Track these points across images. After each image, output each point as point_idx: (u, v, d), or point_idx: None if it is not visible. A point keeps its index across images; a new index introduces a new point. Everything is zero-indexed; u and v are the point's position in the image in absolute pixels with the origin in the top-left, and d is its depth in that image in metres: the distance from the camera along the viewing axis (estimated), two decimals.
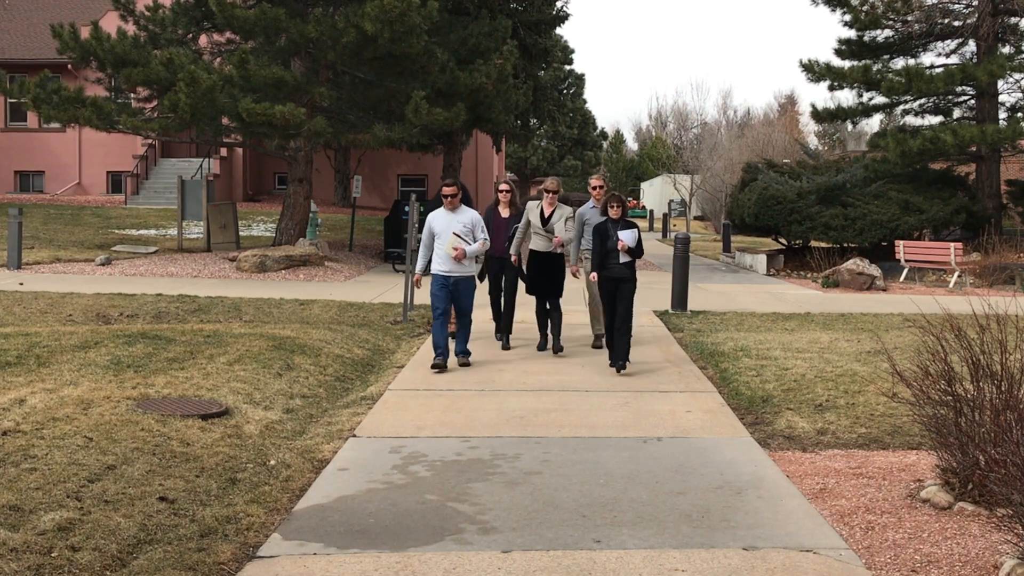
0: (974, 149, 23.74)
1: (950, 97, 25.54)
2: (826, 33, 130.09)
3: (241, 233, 23.26)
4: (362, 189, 29.92)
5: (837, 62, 25.28)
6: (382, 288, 17.22)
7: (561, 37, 44.37)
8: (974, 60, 24.12)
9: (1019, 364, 5.48)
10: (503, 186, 11.01)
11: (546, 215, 10.48)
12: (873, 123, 57.24)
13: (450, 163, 30.61)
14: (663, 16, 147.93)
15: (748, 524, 5.39)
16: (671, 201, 56.12)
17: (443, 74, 19.93)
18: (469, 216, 9.80)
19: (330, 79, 22.67)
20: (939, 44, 25.24)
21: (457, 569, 4.72)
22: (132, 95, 23.02)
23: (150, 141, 32.38)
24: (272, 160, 35.17)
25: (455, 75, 20.01)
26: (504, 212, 10.87)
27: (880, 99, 25.13)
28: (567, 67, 56.69)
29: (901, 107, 26.39)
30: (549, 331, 10.66)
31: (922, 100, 25.64)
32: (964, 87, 24.14)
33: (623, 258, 9.56)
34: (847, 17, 24.64)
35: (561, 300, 10.66)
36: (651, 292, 16.44)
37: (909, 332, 11.31)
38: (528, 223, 10.52)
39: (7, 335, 10.26)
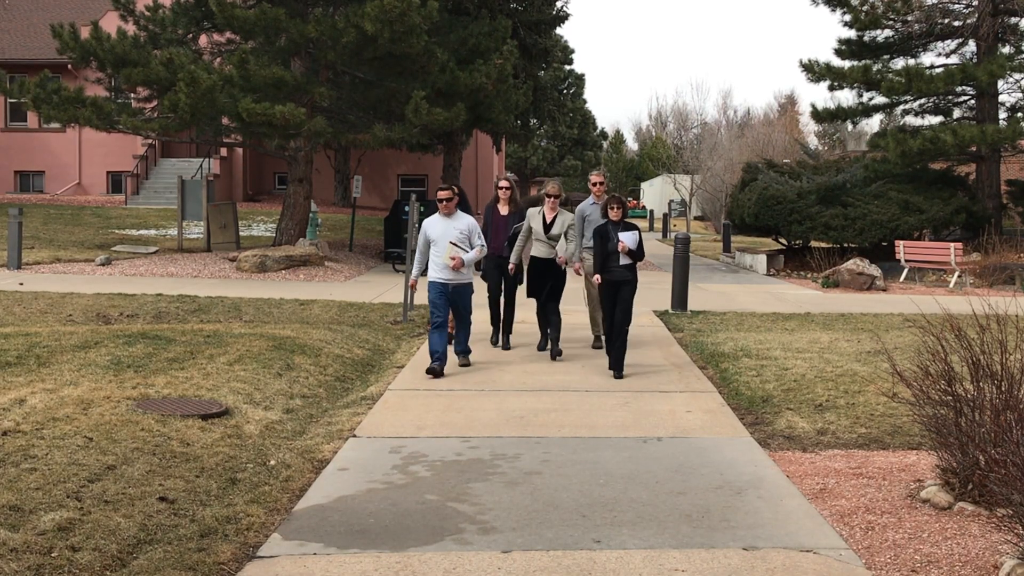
0: (974, 149, 23.74)
1: (950, 97, 25.55)
2: (826, 33, 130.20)
3: (241, 233, 23.26)
4: (362, 189, 29.93)
5: (837, 62, 25.30)
6: (382, 288, 17.22)
7: (561, 37, 44.36)
8: (974, 60, 24.12)
9: (1019, 364, 5.48)
10: (503, 183, 10.87)
11: (548, 221, 10.37)
12: (873, 123, 57.25)
13: (450, 163, 30.61)
14: (663, 16, 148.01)
15: (748, 524, 5.39)
16: (671, 201, 56.12)
17: (443, 74, 19.93)
18: (466, 222, 9.62)
19: (330, 79, 22.67)
20: (939, 44, 25.25)
21: (457, 569, 4.72)
22: (132, 95, 23.03)
23: (150, 141, 32.39)
24: (272, 160, 35.18)
25: (455, 75, 20.01)
26: (503, 210, 10.76)
27: (880, 99, 25.13)
28: (567, 67, 56.68)
29: (901, 107, 26.39)
30: (548, 333, 10.57)
31: (922, 100, 25.64)
32: (964, 87, 24.14)
33: (624, 260, 9.45)
34: (847, 17, 24.65)
35: (560, 302, 10.57)
36: (651, 292, 16.44)
37: (909, 332, 11.31)
38: (530, 229, 10.40)
39: (7, 335, 10.26)
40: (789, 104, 72.50)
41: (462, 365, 9.75)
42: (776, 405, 8.27)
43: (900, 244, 21.26)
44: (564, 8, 31.51)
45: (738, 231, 28.16)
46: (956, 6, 24.23)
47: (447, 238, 9.45)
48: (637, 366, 9.87)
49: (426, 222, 9.69)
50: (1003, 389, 5.36)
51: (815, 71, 24.56)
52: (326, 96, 20.19)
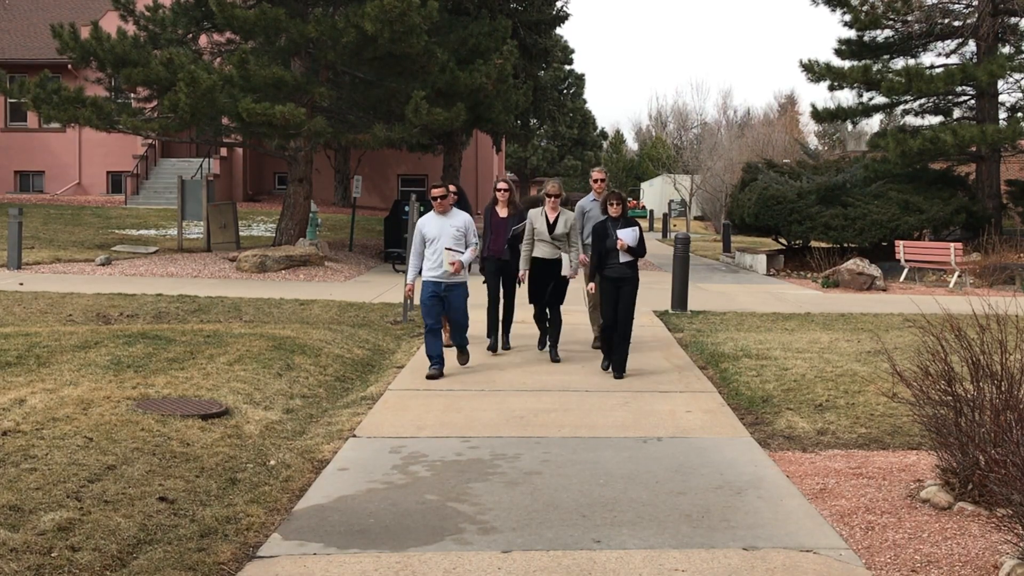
0: (974, 149, 23.74)
1: (950, 97, 25.55)
2: (826, 33, 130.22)
3: (241, 233, 23.26)
4: (362, 189, 29.93)
5: (837, 62, 25.30)
6: (382, 288, 17.22)
7: (561, 37, 44.37)
8: (974, 60, 24.12)
9: (1019, 364, 5.48)
10: (501, 185, 10.67)
11: (551, 221, 10.16)
12: (873, 123, 57.26)
13: (450, 163, 30.61)
14: (663, 16, 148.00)
15: (748, 524, 5.39)
16: (671, 201, 56.11)
17: (443, 74, 19.93)
18: (462, 219, 9.46)
19: (330, 79, 22.68)
20: (939, 44, 25.25)
21: (457, 569, 4.72)
22: (132, 95, 23.03)
23: (150, 141, 32.40)
24: (272, 160, 35.18)
25: (455, 75, 20.01)
26: (502, 212, 10.57)
27: (880, 99, 25.13)
28: (567, 67, 56.68)
29: (901, 107, 26.39)
30: (548, 335, 10.45)
31: (922, 100, 25.64)
32: (964, 87, 24.14)
33: (624, 258, 9.31)
34: (847, 17, 24.65)
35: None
36: (651, 292, 16.44)
37: (909, 332, 11.31)
38: (533, 231, 10.18)
39: (7, 335, 10.26)
40: (789, 104, 72.53)
41: (462, 363, 9.66)
42: (776, 405, 8.27)
43: (900, 244, 21.26)
44: (564, 8, 31.52)
45: (738, 231, 28.16)
46: (956, 6, 24.24)
47: (443, 236, 9.31)
48: (637, 366, 9.86)
49: (421, 220, 9.56)
50: (1003, 389, 5.36)
51: (815, 71, 24.56)
52: (326, 96, 20.19)
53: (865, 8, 23.94)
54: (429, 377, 9.20)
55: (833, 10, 25.02)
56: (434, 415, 7.88)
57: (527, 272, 10.24)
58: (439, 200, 9.36)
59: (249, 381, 8.56)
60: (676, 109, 72.75)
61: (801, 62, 25.20)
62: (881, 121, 42.36)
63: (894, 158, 22.78)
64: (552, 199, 10.19)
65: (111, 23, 22.67)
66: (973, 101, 25.00)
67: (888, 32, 25.21)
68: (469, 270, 9.83)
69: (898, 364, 6.33)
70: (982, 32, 23.47)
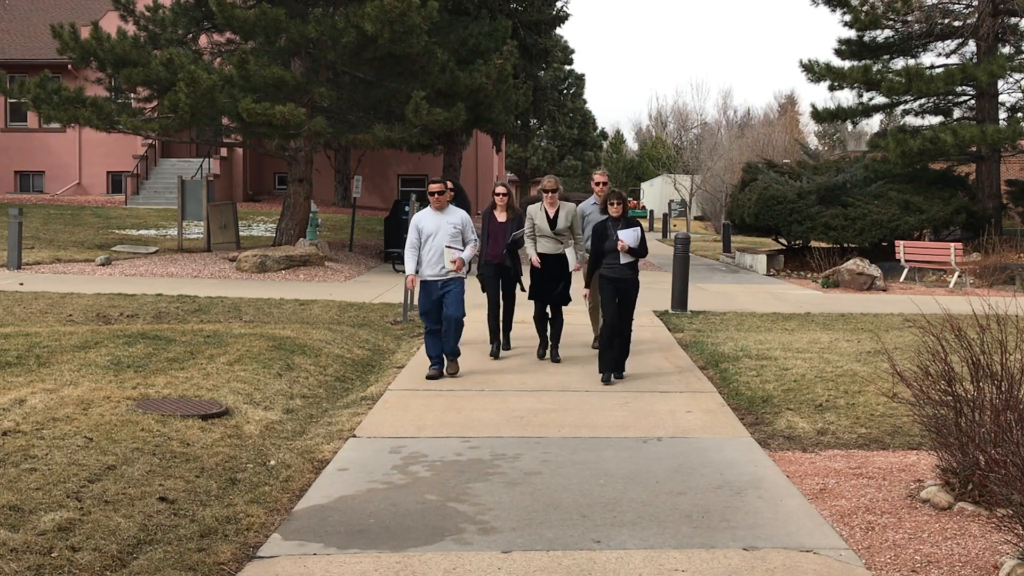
0: (974, 149, 23.74)
1: (950, 97, 25.55)
2: (826, 33, 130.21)
3: (241, 233, 23.26)
4: (362, 189, 29.93)
5: (837, 62, 25.30)
6: (382, 288, 17.22)
7: (561, 37, 44.30)
8: (974, 60, 24.12)
9: (1019, 364, 5.48)
10: (499, 189, 10.40)
11: (551, 216, 9.98)
12: (873, 123, 57.27)
13: (450, 163, 30.62)
14: (663, 16, 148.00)
15: (748, 524, 5.39)
16: (671, 201, 56.13)
17: (443, 74, 19.93)
18: (459, 216, 9.28)
19: (330, 79, 22.67)
20: (939, 44, 25.25)
21: (457, 569, 4.72)
22: (132, 95, 23.00)
23: (150, 141, 32.40)
24: (272, 160, 35.18)
25: (455, 75, 20.01)
26: (501, 216, 10.30)
27: (880, 99, 25.14)
28: (567, 67, 56.63)
29: (901, 107, 26.40)
30: (549, 336, 10.28)
31: (922, 100, 25.65)
32: (964, 87, 24.15)
33: (625, 259, 9.09)
34: (847, 17, 24.65)
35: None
36: (651, 292, 16.43)
37: (909, 332, 11.31)
38: (534, 226, 9.98)
39: (7, 335, 10.26)
40: (789, 104, 72.52)
41: (451, 374, 9.29)
42: (776, 405, 8.27)
43: (900, 244, 21.26)
44: (564, 8, 31.50)
45: (738, 231, 28.15)
46: (956, 6, 24.24)
47: (440, 233, 9.12)
48: (637, 366, 9.86)
49: (417, 216, 9.34)
50: (1003, 389, 5.36)
51: (815, 71, 24.56)
52: (326, 96, 20.19)
53: (865, 8, 23.95)
54: (429, 377, 9.17)
55: (833, 10, 25.03)
56: (434, 415, 7.88)
57: (538, 258, 9.92)
58: (436, 196, 9.18)
59: (249, 381, 8.56)
60: (676, 109, 72.88)
61: (801, 62, 25.22)
62: (881, 121, 42.43)
63: (894, 158, 22.78)
64: (549, 194, 10.01)
65: (111, 23, 22.67)
66: (973, 101, 25.01)
67: (888, 32, 25.22)
68: (469, 269, 9.69)
69: (898, 364, 6.33)
70: (982, 32, 23.48)
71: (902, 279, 20.68)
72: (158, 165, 34.76)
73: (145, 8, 21.67)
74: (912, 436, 7.16)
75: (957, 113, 26.22)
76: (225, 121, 21.14)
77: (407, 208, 17.78)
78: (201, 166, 31.87)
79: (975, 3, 23.82)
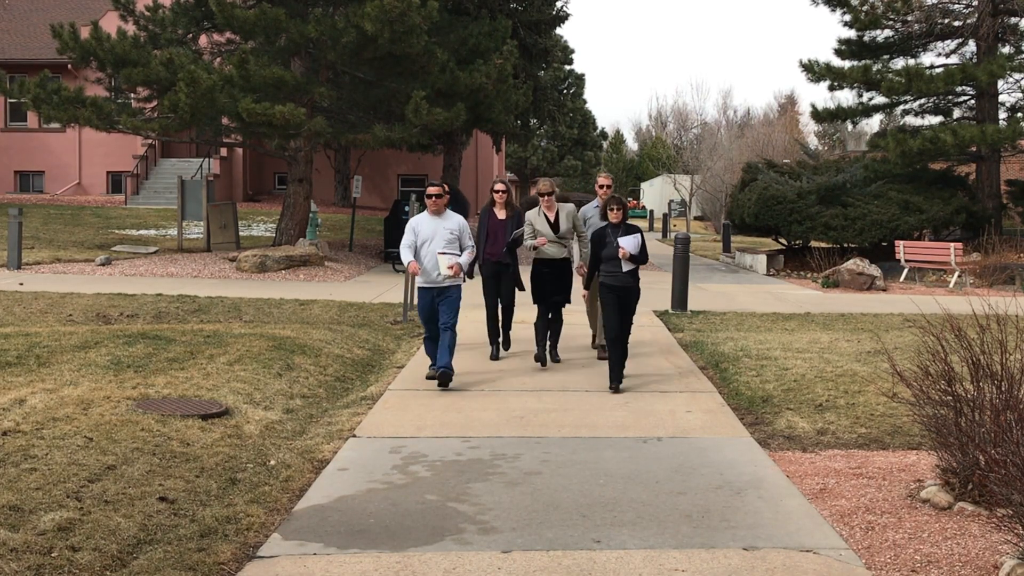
0: (974, 149, 23.74)
1: (950, 97, 25.56)
2: (826, 33, 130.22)
3: (241, 233, 23.26)
4: (362, 189, 29.93)
5: (837, 62, 25.31)
6: (382, 288, 17.22)
7: (561, 37, 44.32)
8: (974, 60, 24.13)
9: (1019, 364, 5.48)
10: (498, 186, 10.24)
11: (551, 220, 9.80)
12: (873, 123, 57.28)
13: (450, 163, 30.62)
14: (663, 16, 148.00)
15: (748, 524, 5.39)
16: (671, 201, 56.15)
17: (443, 74, 19.93)
18: (456, 222, 9.03)
19: (330, 79, 22.68)
20: (939, 44, 25.27)
21: (457, 569, 4.72)
22: (132, 95, 23.01)
23: (150, 141, 32.40)
24: (272, 160, 35.18)
25: (455, 75, 20.01)
26: (500, 214, 10.14)
27: (880, 99, 25.14)
28: (567, 67, 56.67)
29: (901, 107, 26.41)
30: (548, 337, 10.06)
31: (922, 100, 25.66)
32: (964, 87, 24.15)
33: (626, 266, 8.81)
34: (847, 17, 24.65)
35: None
36: (651, 292, 16.43)
37: (909, 332, 11.31)
38: (535, 232, 9.76)
39: (7, 335, 10.26)
40: (789, 104, 72.55)
41: (442, 386, 8.76)
42: (776, 405, 8.27)
43: (900, 244, 21.26)
44: (564, 8, 31.52)
45: (738, 231, 28.16)
46: (956, 6, 24.25)
47: (436, 238, 8.89)
48: (637, 366, 9.85)
49: (413, 221, 9.12)
50: (1003, 389, 5.36)
51: (815, 71, 24.56)
52: (326, 96, 20.19)
53: (865, 8, 23.95)
54: (429, 377, 9.11)
55: (833, 10, 25.04)
56: (434, 415, 7.88)
57: (544, 239, 9.71)
58: (434, 199, 8.97)
59: (249, 381, 8.56)
60: (676, 109, 72.90)
61: (801, 62, 25.23)
62: (881, 121, 42.43)
63: (894, 158, 22.78)
64: (546, 198, 9.82)
65: (111, 23, 22.67)
66: (973, 101, 25.01)
67: (888, 32, 25.23)
68: (471, 274, 9.41)
69: (898, 364, 6.33)
70: (982, 32, 23.48)
71: (902, 279, 20.68)
72: (158, 165, 34.76)
73: (145, 8, 21.67)
74: (912, 436, 7.16)
75: (957, 113, 26.23)
76: (225, 121, 21.14)
77: (407, 208, 17.77)
78: (201, 166, 31.88)
79: (975, 3, 23.83)
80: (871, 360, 9.87)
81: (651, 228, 48.00)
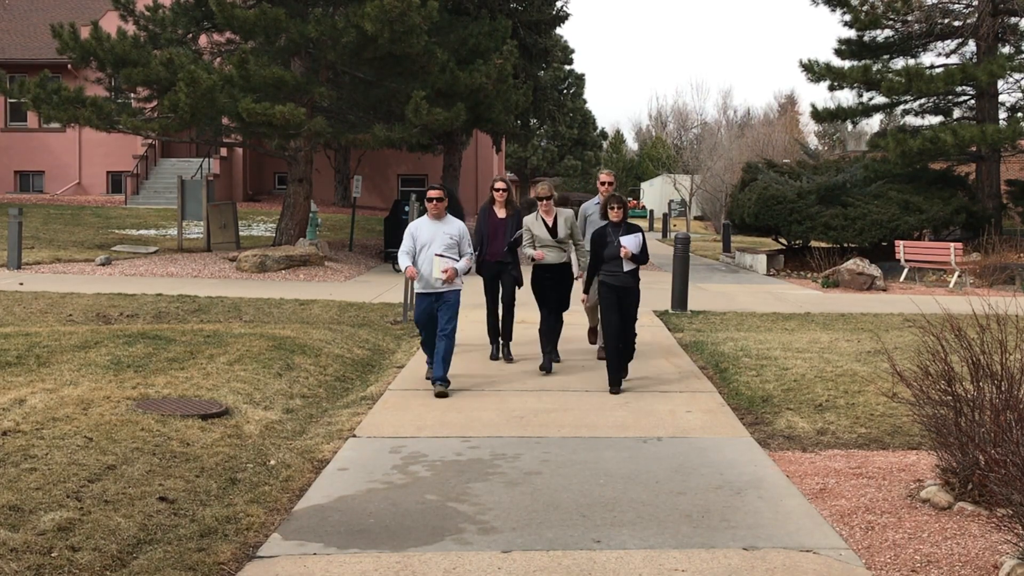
0: (974, 149, 23.75)
1: (950, 97, 25.56)
2: (826, 33, 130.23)
3: (241, 233, 23.26)
4: (362, 189, 29.92)
5: (837, 62, 25.31)
6: (382, 288, 17.22)
7: (561, 37, 44.31)
8: (974, 60, 24.13)
9: (1019, 364, 5.48)
10: (498, 184, 10.03)
11: (549, 224, 9.63)
12: (873, 123, 57.29)
13: (450, 163, 30.61)
14: (663, 16, 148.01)
15: (748, 524, 5.39)
16: (671, 201, 56.15)
17: (443, 74, 19.93)
18: (456, 227, 8.81)
19: (330, 79, 22.68)
20: (939, 44, 25.27)
21: (457, 569, 4.72)
22: (132, 95, 23.02)
23: (150, 141, 32.40)
24: (272, 160, 35.18)
25: (455, 75, 20.01)
26: (500, 213, 9.97)
27: (880, 99, 25.15)
28: (567, 67, 56.68)
29: (901, 107, 26.41)
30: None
31: (922, 100, 25.66)
32: (964, 87, 24.16)
33: (627, 266, 8.71)
34: (847, 17, 24.65)
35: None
36: (651, 292, 16.43)
37: (909, 332, 11.31)
38: (533, 238, 9.62)
39: (7, 335, 10.26)
40: (789, 104, 72.55)
41: (439, 395, 8.52)
42: (776, 405, 8.27)
43: (900, 244, 21.26)
44: (564, 8, 31.50)
45: (738, 231, 28.16)
46: (956, 6, 24.25)
47: (435, 242, 8.67)
48: (637, 367, 9.82)
49: (412, 225, 8.95)
50: (1003, 389, 5.36)
51: (815, 71, 24.56)
52: (326, 96, 20.18)
53: (865, 8, 23.95)
54: (428, 378, 9.05)
55: (833, 10, 25.04)
56: (434, 415, 7.88)
57: (542, 252, 9.58)
58: (435, 202, 8.76)
59: (249, 381, 8.56)
60: (676, 109, 72.88)
61: (801, 62, 25.23)
62: (881, 121, 42.44)
63: (894, 158, 22.78)
64: (544, 202, 9.64)
65: (111, 23, 22.67)
66: (973, 101, 25.01)
67: (888, 32, 25.24)
68: (470, 270, 9.18)
69: (898, 364, 6.33)
70: (982, 32, 23.48)
71: (902, 279, 20.68)
72: (158, 165, 34.76)
73: (145, 8, 21.67)
74: (912, 436, 7.16)
75: (957, 113, 26.23)
76: (225, 121, 21.14)
77: (407, 208, 17.76)
78: (201, 166, 31.88)
79: (975, 3, 23.83)
80: (871, 360, 9.87)
81: (651, 228, 48.00)
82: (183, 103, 17.84)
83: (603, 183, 10.19)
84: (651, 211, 53.14)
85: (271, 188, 37.85)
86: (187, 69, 17.84)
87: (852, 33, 25.56)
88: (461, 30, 22.36)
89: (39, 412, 6.99)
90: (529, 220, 9.73)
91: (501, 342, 10.31)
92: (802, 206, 23.29)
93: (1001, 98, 24.56)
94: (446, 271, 8.57)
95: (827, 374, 9.20)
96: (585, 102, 67.00)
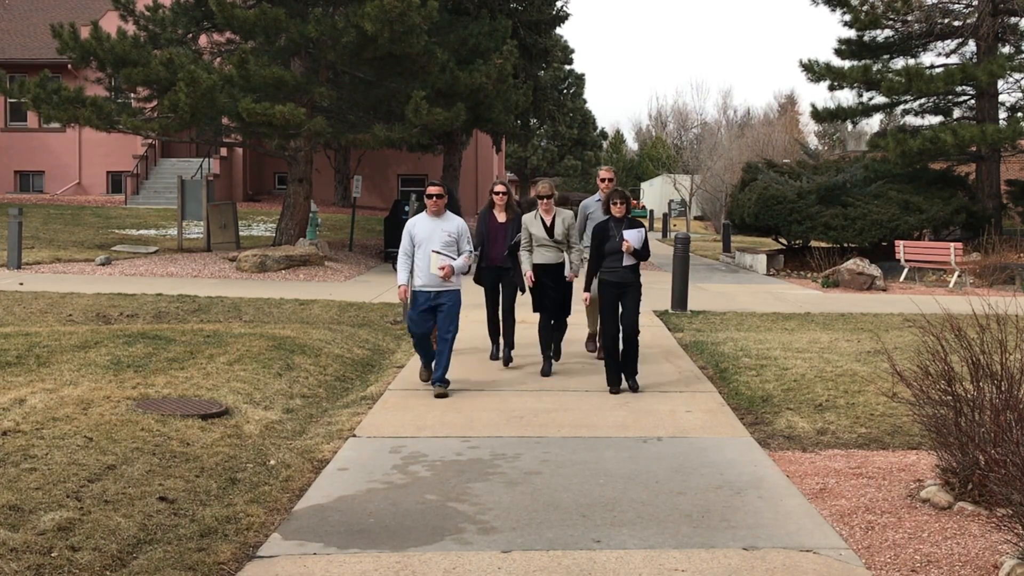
0: (974, 149, 23.75)
1: (950, 97, 25.56)
2: (826, 33, 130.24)
3: (241, 233, 23.26)
4: (362, 189, 29.92)
5: (837, 62, 25.31)
6: (382, 288, 17.22)
7: (561, 37, 44.33)
8: (974, 60, 24.13)
9: (1019, 364, 5.48)
10: (498, 188, 9.88)
11: (548, 224, 9.49)
12: (873, 123, 57.31)
13: (450, 163, 30.62)
14: (663, 16, 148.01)
15: (748, 524, 5.39)
16: (671, 201, 56.14)
17: (443, 74, 19.93)
18: (455, 224, 8.66)
19: (330, 79, 22.67)
20: (939, 44, 25.27)
21: (457, 569, 4.72)
22: (132, 95, 23.02)
23: (150, 141, 32.40)
24: (272, 160, 35.18)
25: (455, 75, 20.01)
26: (500, 216, 9.81)
27: (880, 99, 25.15)
28: (567, 67, 56.68)
29: (901, 107, 26.42)
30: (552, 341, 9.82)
31: (922, 100, 25.66)
32: (964, 87, 24.16)
33: (627, 261, 8.62)
34: (847, 17, 24.65)
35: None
36: (651, 292, 16.42)
37: (909, 332, 11.31)
38: (531, 236, 9.49)
39: (7, 335, 10.26)
40: (789, 104, 72.57)
41: (438, 396, 8.49)
42: (776, 405, 8.27)
43: (900, 244, 21.26)
44: (564, 8, 31.53)
45: (738, 231, 28.16)
46: (956, 6, 24.25)
47: (433, 240, 8.54)
48: (637, 366, 9.81)
49: (411, 222, 8.78)
50: (1003, 389, 5.36)
51: (815, 71, 24.56)
52: (326, 96, 20.18)
53: (865, 8, 23.95)
54: (423, 379, 8.89)
55: (833, 10, 25.04)
56: (434, 415, 7.88)
57: (532, 274, 9.47)
58: (435, 199, 8.61)
59: (249, 381, 8.56)
60: (676, 109, 72.88)
61: (801, 62, 25.22)
62: (881, 121, 42.43)
63: (894, 158, 22.78)
64: (545, 200, 9.53)
65: (111, 23, 22.67)
66: (973, 101, 25.01)
67: (888, 32, 25.23)
68: (471, 275, 9.12)
69: (898, 364, 6.33)
70: (982, 32, 23.48)
71: (902, 279, 20.68)
72: (158, 165, 34.76)
73: (145, 8, 21.67)
74: (912, 436, 7.16)
75: (957, 113, 26.23)
76: (225, 121, 21.13)
77: (407, 208, 17.76)
78: (201, 166, 31.88)
79: (975, 3, 23.83)
80: (871, 360, 9.87)
81: (651, 228, 47.99)
82: (183, 103, 17.84)
83: (603, 180, 10.12)
84: (651, 211, 53.13)
85: (271, 188, 37.85)
86: (187, 69, 17.84)
87: (852, 33, 25.57)
88: (461, 30, 22.36)
89: (39, 412, 6.99)
90: (527, 219, 9.63)
91: (503, 353, 10.08)
92: (802, 206, 23.29)
93: (1001, 98, 24.58)
94: (443, 268, 8.45)
95: (827, 374, 9.20)
96: (585, 102, 67.01)
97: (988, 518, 5.25)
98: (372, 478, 6.18)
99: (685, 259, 14.83)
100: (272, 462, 6.51)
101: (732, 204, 27.62)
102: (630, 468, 6.43)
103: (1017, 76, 24.48)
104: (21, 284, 15.76)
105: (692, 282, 16.36)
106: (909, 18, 24.14)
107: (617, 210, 8.68)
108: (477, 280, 10.12)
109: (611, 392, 8.72)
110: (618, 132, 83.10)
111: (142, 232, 25.18)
